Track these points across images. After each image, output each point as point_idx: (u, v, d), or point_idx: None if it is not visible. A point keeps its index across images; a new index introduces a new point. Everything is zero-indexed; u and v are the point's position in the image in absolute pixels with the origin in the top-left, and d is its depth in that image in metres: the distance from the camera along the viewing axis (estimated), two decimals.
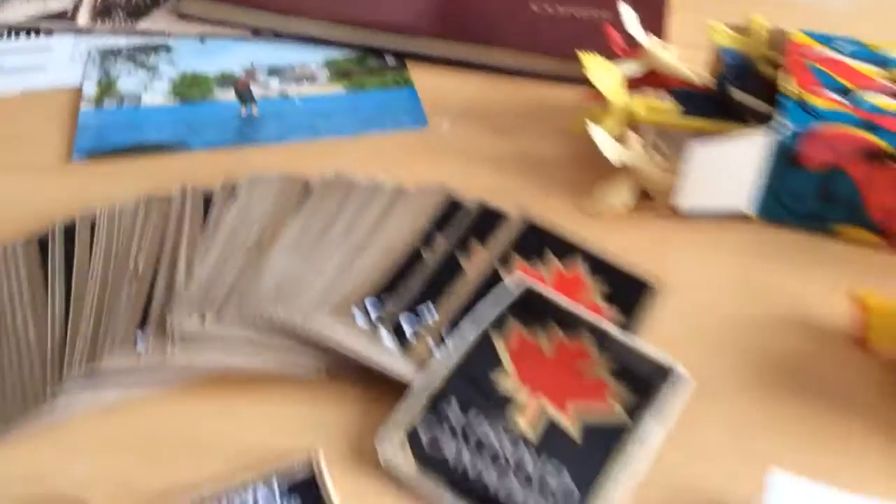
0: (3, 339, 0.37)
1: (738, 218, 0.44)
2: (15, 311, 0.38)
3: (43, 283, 0.39)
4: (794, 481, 0.30)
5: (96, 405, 0.34)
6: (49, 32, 0.58)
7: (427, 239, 0.41)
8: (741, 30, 0.50)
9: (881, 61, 0.46)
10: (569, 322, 0.37)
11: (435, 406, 0.34)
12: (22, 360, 0.36)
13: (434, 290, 0.39)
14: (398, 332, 0.36)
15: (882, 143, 0.40)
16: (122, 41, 0.57)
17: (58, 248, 0.41)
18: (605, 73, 0.47)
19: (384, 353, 0.35)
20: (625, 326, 0.38)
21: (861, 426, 0.35)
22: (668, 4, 0.58)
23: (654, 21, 0.56)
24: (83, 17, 0.59)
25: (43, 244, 0.41)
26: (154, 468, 0.32)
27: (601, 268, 0.41)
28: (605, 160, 0.45)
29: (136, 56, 0.56)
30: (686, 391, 0.35)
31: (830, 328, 0.39)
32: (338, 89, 0.53)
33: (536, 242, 0.42)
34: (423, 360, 0.35)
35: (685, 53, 0.50)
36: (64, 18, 0.59)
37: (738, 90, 0.47)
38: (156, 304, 0.37)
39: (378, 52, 0.56)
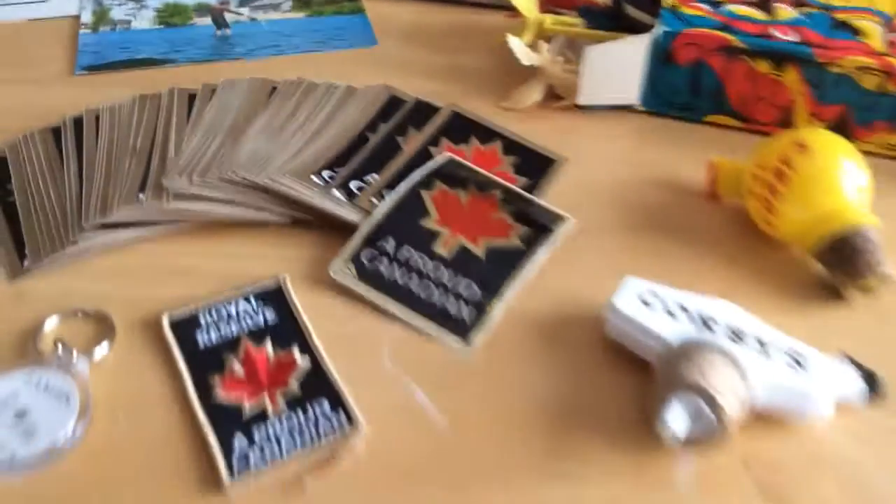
0: (32, 201, 0.46)
1: (627, 110, 0.54)
2: (37, 180, 0.47)
3: (59, 159, 0.48)
4: (642, 282, 0.40)
5: (110, 246, 0.44)
6: None
7: (372, 126, 0.51)
8: None
9: None
10: (483, 183, 0.47)
11: (374, 240, 0.43)
12: (47, 214, 0.45)
13: (377, 163, 0.48)
14: (347, 191, 0.46)
15: (734, 40, 0.50)
16: None
17: (69, 134, 0.50)
18: None
19: (335, 204, 0.45)
20: (530, 190, 0.48)
21: (705, 252, 0.45)
22: None
23: None
24: None
25: (56, 131, 0.50)
26: (158, 289, 0.42)
27: (514, 147, 0.51)
28: (523, 68, 0.54)
29: None
30: (571, 229, 0.45)
31: (693, 188, 0.49)
32: (299, 16, 0.63)
33: (462, 128, 0.51)
34: (367, 209, 0.45)
35: None
36: None
37: (630, 6, 0.56)
38: (153, 173, 0.46)
39: None
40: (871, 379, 0.37)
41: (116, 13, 0.62)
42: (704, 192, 0.48)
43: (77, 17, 0.62)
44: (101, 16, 0.61)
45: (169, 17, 0.62)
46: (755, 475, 0.35)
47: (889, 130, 0.50)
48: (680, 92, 0.52)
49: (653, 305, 0.39)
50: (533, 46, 0.55)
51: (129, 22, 0.61)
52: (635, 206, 0.48)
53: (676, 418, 0.34)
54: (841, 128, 0.50)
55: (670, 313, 0.38)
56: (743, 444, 0.35)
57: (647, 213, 0.47)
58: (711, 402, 0.34)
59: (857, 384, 0.37)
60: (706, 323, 0.38)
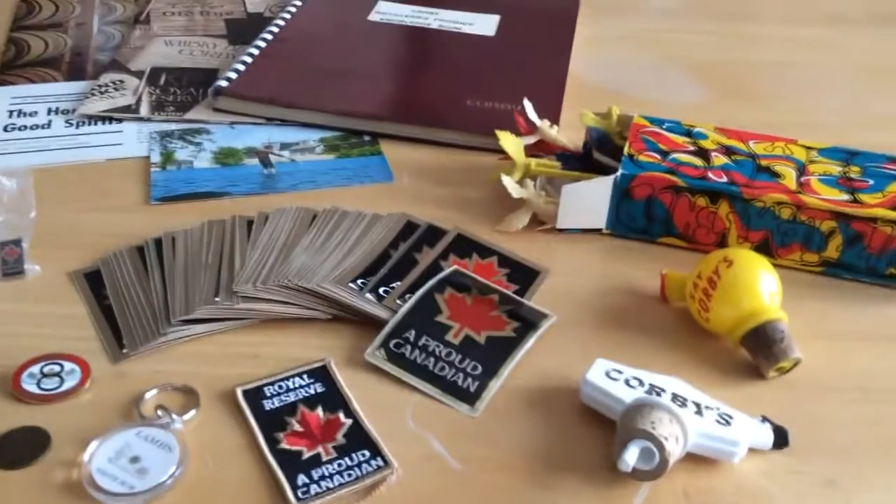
0: (125, 302, 0.58)
1: (596, 233, 0.67)
2: (127, 286, 0.59)
3: (144, 271, 0.60)
4: (608, 362, 0.52)
5: (191, 336, 0.56)
6: (119, 121, 0.81)
7: (393, 244, 0.64)
8: (603, 115, 0.74)
9: (687, 133, 0.70)
10: (482, 289, 0.59)
11: (399, 332, 0.56)
12: (138, 312, 0.57)
13: (398, 273, 0.61)
14: (376, 294, 0.59)
15: (679, 181, 0.64)
16: (173, 126, 0.80)
17: (152, 252, 0.62)
18: (512, 143, 0.71)
19: (368, 304, 0.57)
20: (520, 294, 0.61)
21: (657, 342, 0.57)
22: (561, 101, 0.83)
23: (553, 112, 0.81)
24: (144, 110, 0.82)
25: (140, 249, 0.63)
26: (231, 369, 0.53)
27: (507, 261, 0.64)
28: (512, 199, 0.68)
29: (185, 136, 0.79)
30: (552, 323, 0.57)
31: (648, 293, 0.61)
32: (330, 157, 0.77)
33: (465, 246, 0.64)
34: (393, 308, 0.57)
35: (570, 132, 0.74)
36: (129, 111, 0.81)
37: (598, 153, 0.71)
38: (223, 280, 0.59)
39: (357, 133, 0.80)
40: (780, 433, 0.49)
41: (180, 154, 0.76)
42: (657, 297, 0.61)
43: (147, 158, 0.75)
44: (167, 157, 0.75)
45: (224, 159, 0.75)
46: (692, 501, 0.46)
47: (802, 250, 0.64)
48: (637, 219, 0.66)
49: (616, 379, 0.51)
50: (521, 183, 0.69)
51: (191, 162, 0.75)
52: (603, 307, 0.60)
53: (632, 457, 0.45)
54: (765, 248, 0.64)
55: (629, 384, 0.50)
56: (683, 479, 0.47)
57: (612, 312, 0.60)
58: (659, 446, 0.45)
59: (770, 436, 0.49)
60: (656, 391, 0.50)
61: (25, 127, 0.79)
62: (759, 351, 0.54)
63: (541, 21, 0.99)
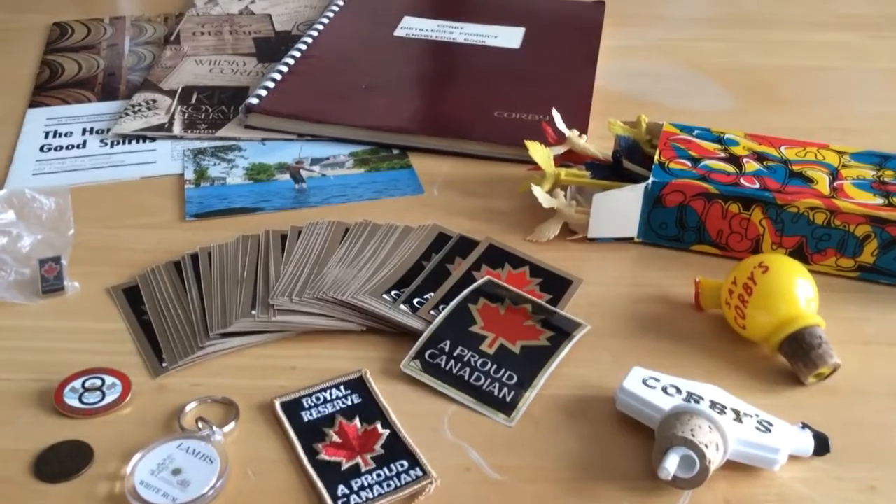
0: (163, 317, 0.59)
1: (627, 241, 0.67)
2: (166, 302, 0.60)
3: (182, 286, 0.61)
4: (645, 370, 0.52)
5: (229, 350, 0.56)
6: (153, 139, 0.82)
7: (426, 256, 0.64)
8: (632, 123, 0.74)
9: (717, 140, 0.70)
10: (516, 298, 0.60)
11: (434, 342, 0.56)
12: (177, 326, 0.58)
13: (432, 284, 0.61)
14: (411, 306, 0.59)
15: (711, 188, 0.64)
16: (206, 143, 0.81)
17: (188, 267, 0.63)
18: (541, 153, 0.71)
19: (402, 315, 0.58)
20: (553, 304, 0.61)
21: (693, 350, 0.57)
22: (589, 111, 0.83)
23: (581, 122, 0.81)
24: (177, 128, 0.83)
25: (177, 265, 0.64)
26: (269, 382, 0.54)
27: (539, 271, 0.64)
28: (542, 209, 0.68)
29: (217, 153, 0.80)
30: (586, 332, 0.57)
31: (681, 301, 0.61)
32: (360, 171, 0.77)
33: (497, 257, 0.65)
34: (427, 319, 0.58)
35: (598, 141, 0.74)
36: (162, 129, 0.83)
37: (627, 161, 0.71)
38: (259, 294, 0.59)
39: (387, 146, 0.80)
40: (821, 439, 0.49)
41: (213, 171, 0.77)
42: (691, 304, 0.61)
43: (181, 175, 0.76)
44: (200, 174, 0.76)
45: (256, 175, 0.76)
46: None
47: (837, 255, 0.63)
48: (669, 227, 0.66)
49: (653, 387, 0.51)
50: (551, 193, 0.69)
51: (224, 179, 0.76)
52: (636, 316, 0.60)
53: (673, 465, 0.45)
54: (799, 254, 0.63)
55: (667, 392, 0.50)
56: (724, 487, 0.47)
57: (646, 321, 0.60)
58: (700, 454, 0.45)
59: (811, 443, 0.48)
60: (694, 398, 0.50)
61: (61, 147, 0.80)
62: (797, 357, 0.54)
63: (565, 33, 0.99)
